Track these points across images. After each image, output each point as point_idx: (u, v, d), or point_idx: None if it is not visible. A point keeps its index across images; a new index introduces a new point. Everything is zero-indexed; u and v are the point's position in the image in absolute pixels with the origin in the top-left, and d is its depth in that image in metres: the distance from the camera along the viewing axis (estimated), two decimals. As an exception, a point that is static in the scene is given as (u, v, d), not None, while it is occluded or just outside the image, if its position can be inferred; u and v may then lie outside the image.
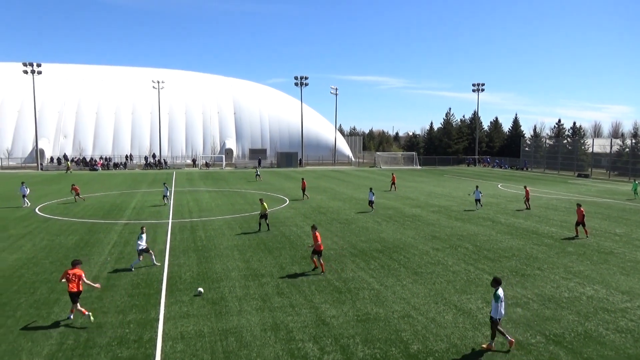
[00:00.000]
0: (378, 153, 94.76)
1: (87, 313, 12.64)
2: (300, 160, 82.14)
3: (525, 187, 34.26)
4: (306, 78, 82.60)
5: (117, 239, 22.65)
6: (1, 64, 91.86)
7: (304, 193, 37.80)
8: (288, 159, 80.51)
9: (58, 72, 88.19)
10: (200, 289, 14.96)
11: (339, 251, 20.55)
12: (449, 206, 34.13)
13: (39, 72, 71.39)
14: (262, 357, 10.72)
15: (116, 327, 12.35)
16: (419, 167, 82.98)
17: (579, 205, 23.64)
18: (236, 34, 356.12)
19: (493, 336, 11.14)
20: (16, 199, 35.33)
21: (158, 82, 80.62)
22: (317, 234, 17.46)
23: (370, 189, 32.91)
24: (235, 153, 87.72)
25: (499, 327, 11.12)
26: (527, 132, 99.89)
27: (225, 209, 32.27)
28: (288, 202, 35.92)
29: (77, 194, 36.05)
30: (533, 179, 58.61)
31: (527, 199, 32.85)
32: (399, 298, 14.65)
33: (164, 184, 37.27)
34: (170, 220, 27.69)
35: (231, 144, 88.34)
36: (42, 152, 75.65)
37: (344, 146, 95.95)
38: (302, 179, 40.12)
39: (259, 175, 54.74)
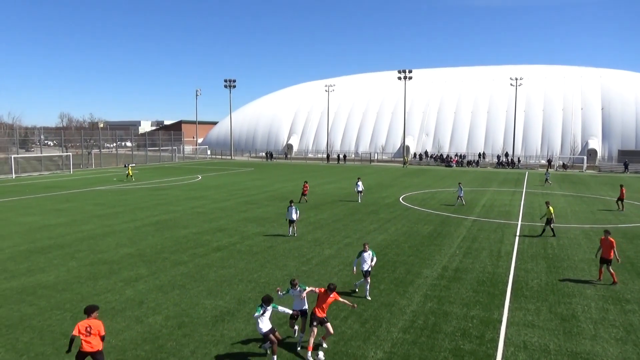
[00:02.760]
0: None
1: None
2: (693, 165, 64.91)
3: None
4: None
5: (466, 234, 23.60)
6: (381, 73, 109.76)
7: (621, 203, 31.85)
8: (673, 163, 65.01)
9: (424, 77, 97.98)
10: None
11: None
12: None
13: (410, 78, 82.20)
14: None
15: (460, 318, 12.98)
16: None
17: None
18: (605, 17, 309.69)
19: None
20: (385, 188, 41.49)
21: (516, 79, 78.87)
22: (612, 239, 16.05)
23: None
24: (599, 154, 76.90)
25: None
26: None
27: (582, 217, 28.91)
28: (670, 217, 29.16)
29: (304, 193, 33.79)
30: None
31: None
32: None
33: (459, 183, 34.82)
34: (519, 222, 26.87)
35: (595, 143, 77.83)
36: (407, 148, 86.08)
37: None
38: (621, 185, 33.08)
39: (548, 180, 48.21)
